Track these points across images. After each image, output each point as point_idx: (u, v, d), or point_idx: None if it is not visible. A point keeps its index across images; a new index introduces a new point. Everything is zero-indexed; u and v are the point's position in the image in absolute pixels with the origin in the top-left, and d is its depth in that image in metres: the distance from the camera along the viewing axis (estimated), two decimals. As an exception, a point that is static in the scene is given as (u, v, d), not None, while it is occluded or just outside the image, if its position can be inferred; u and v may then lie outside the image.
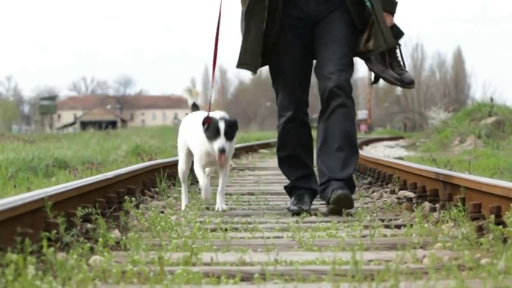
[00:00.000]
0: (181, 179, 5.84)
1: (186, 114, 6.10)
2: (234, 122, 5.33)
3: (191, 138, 5.54)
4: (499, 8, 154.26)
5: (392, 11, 5.37)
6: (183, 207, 5.71)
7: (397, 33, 5.35)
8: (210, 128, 5.25)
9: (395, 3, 5.39)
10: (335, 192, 5.19)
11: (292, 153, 5.53)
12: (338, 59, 5.28)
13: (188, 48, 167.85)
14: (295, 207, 5.36)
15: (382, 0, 5.28)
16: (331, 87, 5.24)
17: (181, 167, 5.78)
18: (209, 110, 5.37)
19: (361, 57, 5.43)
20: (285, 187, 5.67)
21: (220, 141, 5.21)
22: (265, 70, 5.76)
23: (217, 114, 5.38)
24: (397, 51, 5.43)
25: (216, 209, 5.47)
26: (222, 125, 5.23)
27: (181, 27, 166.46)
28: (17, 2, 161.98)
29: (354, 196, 6.68)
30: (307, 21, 5.37)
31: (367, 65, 5.44)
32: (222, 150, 5.21)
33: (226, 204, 5.65)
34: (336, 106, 5.27)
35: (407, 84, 5.43)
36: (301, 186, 5.53)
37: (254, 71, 5.40)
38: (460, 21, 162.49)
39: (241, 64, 5.39)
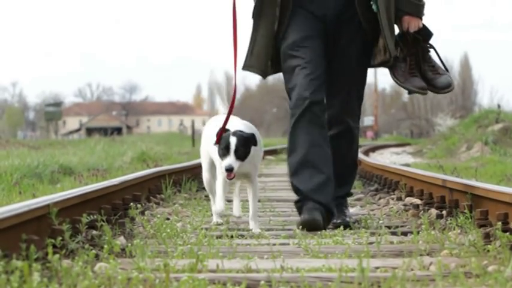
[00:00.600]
0: (207, 189, 5.28)
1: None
2: (248, 138, 4.71)
3: (212, 147, 4.94)
4: (506, 14, 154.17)
5: (418, 14, 4.92)
6: (214, 220, 5.18)
7: (426, 35, 4.99)
8: (221, 143, 4.72)
9: (422, 5, 4.92)
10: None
11: (304, 158, 4.79)
12: (350, 82, 4.95)
13: (194, 54, 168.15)
14: (306, 216, 4.69)
15: (405, 2, 4.87)
16: (338, 110, 4.96)
17: (206, 176, 5.21)
18: (225, 122, 4.78)
19: (384, 66, 5.03)
20: (296, 202, 4.93)
21: (229, 160, 4.65)
22: (271, 76, 5.22)
23: (235, 123, 4.83)
24: (430, 53, 5.03)
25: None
26: (233, 141, 4.66)
27: (187, 34, 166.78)
28: (21, 8, 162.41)
29: (360, 203, 6.71)
30: (321, 18, 4.87)
31: (390, 75, 5.04)
32: (229, 169, 4.65)
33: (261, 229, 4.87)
34: (342, 130, 5.00)
35: (439, 89, 5.00)
36: (313, 198, 4.78)
37: (262, 75, 4.97)
38: (467, 27, 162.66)
39: (246, 66, 4.95)
